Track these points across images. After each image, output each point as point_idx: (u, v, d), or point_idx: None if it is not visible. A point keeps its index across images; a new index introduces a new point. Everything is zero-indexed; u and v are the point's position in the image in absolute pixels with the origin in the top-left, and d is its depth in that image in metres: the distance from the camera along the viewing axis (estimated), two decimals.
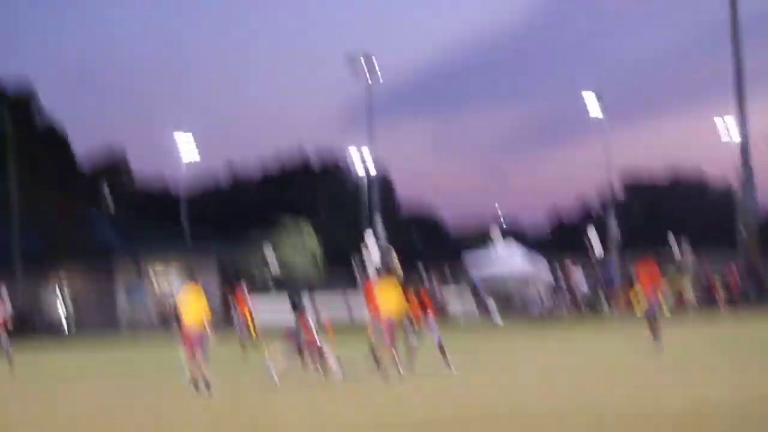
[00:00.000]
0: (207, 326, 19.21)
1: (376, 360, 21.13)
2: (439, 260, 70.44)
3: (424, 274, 45.16)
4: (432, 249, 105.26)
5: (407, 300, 21.31)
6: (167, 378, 21.51)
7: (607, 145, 59.47)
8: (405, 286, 21.67)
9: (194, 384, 18.76)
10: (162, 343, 37.10)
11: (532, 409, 13.87)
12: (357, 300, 57.04)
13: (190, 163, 74.17)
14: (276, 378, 19.41)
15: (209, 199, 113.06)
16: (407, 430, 12.49)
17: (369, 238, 63.32)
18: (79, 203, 56.10)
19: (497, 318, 43.74)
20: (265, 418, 14.25)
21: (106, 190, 79.50)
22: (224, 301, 44.85)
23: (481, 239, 74.71)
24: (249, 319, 30.63)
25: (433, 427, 12.63)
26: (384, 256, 58.15)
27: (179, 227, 74.37)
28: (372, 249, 61.93)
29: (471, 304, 48.86)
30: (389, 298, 20.56)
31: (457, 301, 50.62)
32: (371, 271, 24.08)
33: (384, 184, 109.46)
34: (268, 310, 59.24)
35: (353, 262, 73.13)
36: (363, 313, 23.02)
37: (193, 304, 19.39)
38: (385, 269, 23.29)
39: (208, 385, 18.57)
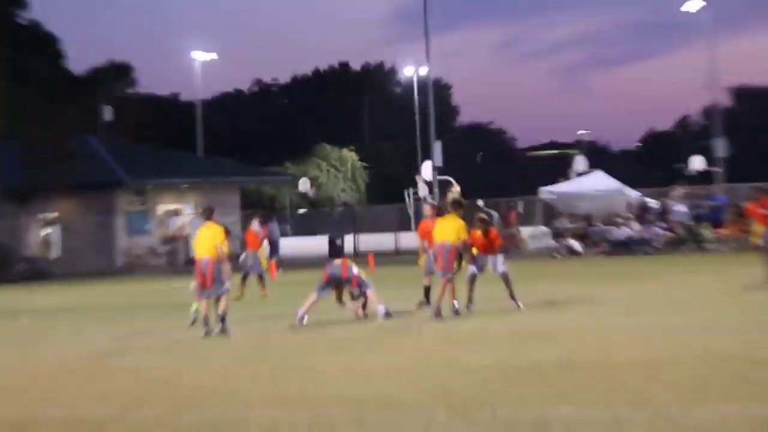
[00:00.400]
0: (225, 264, 20.21)
1: (427, 297, 22.91)
2: (510, 191, 70.16)
3: (491, 210, 45.00)
4: (501, 177, 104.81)
5: (472, 240, 22.31)
6: (172, 323, 21.82)
7: (713, 53, 59.55)
8: (469, 224, 22.54)
9: (205, 321, 19.78)
10: (169, 285, 37.61)
11: (604, 360, 13.62)
12: (408, 239, 57.61)
13: (208, 69, 73.81)
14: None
15: (231, 116, 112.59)
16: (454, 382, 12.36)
17: (425, 168, 62.74)
18: (72, 117, 55.93)
19: (577, 247, 44.44)
20: (298, 375, 14.17)
21: (105, 108, 79.34)
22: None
23: (561, 164, 73.84)
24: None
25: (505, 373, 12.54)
26: (444, 190, 57.94)
27: (193, 149, 74.70)
28: (428, 180, 61.55)
29: (547, 241, 49.01)
30: (449, 232, 21.58)
31: (531, 240, 51.16)
32: (427, 208, 24.19)
33: (443, 100, 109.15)
34: (299, 247, 59.88)
35: (405, 196, 72.70)
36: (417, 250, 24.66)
37: (208, 240, 20.24)
38: (446, 205, 23.76)
39: (223, 321, 19.77)
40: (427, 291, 23.23)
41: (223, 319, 19.82)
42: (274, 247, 55.27)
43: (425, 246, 23.32)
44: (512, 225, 51.54)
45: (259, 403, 11.80)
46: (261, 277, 29.55)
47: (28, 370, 15.94)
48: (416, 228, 26.25)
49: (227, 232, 20.69)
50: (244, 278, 29.39)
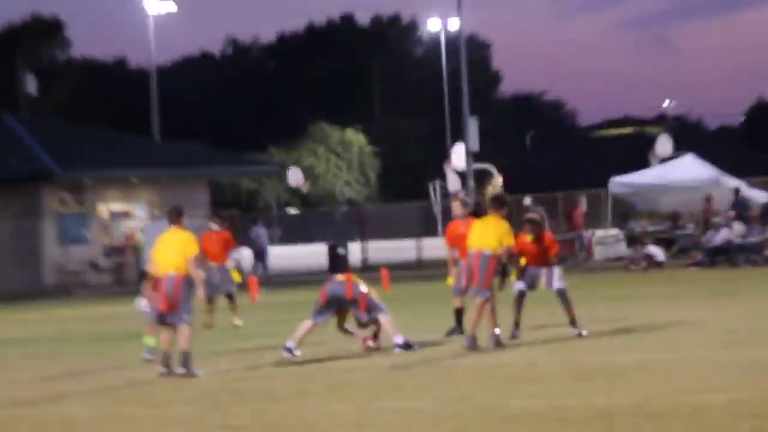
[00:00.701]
0: (196, 279, 20.25)
1: (459, 323, 22.95)
2: (570, 183, 70.11)
3: (541, 209, 45.02)
4: (558, 165, 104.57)
5: (520, 248, 22.40)
6: (119, 361, 21.75)
7: None
8: (516, 227, 22.66)
9: (165, 363, 19.63)
10: (115, 307, 37.56)
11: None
12: (434, 247, 57.55)
13: (166, 26, 73.90)
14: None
15: (198, 87, 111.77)
16: None
17: (456, 154, 62.73)
18: None
19: (660, 256, 44.35)
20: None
21: (28, 77, 79.55)
22: None
23: (638, 147, 73.77)
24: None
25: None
26: (481, 183, 58.02)
27: (147, 131, 74.76)
28: (460, 170, 61.55)
29: (619, 248, 49.08)
30: (488, 237, 21.54)
31: (599, 246, 51.27)
32: (459, 205, 23.99)
33: (479, 63, 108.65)
34: (290, 257, 59.86)
35: (430, 191, 72.97)
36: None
37: (176, 250, 20.22)
38: (485, 202, 23.86)
39: (186, 361, 19.51)
40: (459, 315, 23.21)
41: (186, 357, 19.80)
42: (260, 258, 55.37)
43: (456, 256, 23.33)
44: (578, 227, 51.67)
45: None
46: (231, 298, 29.61)
47: None
48: (444, 232, 26.22)
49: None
50: (210, 300, 29.45)
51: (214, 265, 29.94)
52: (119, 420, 15.57)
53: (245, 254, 30.66)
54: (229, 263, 30.50)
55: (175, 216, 20.98)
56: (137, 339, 22.12)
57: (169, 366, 19.70)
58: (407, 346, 20.96)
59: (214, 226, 31.01)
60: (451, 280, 23.58)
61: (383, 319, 21.13)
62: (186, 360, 19.67)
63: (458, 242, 22.97)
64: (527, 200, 49.32)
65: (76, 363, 22.64)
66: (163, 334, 20.12)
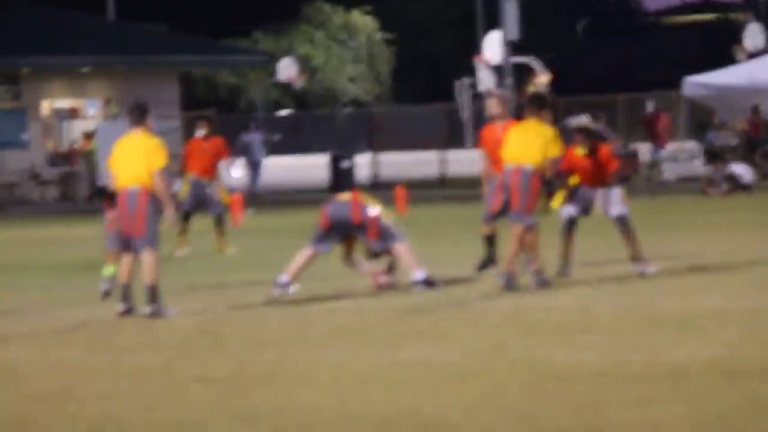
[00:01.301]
0: (163, 194, 20.25)
1: (491, 252, 23.01)
2: (634, 83, 70.04)
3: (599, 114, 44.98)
4: (619, 59, 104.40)
5: (570, 163, 22.49)
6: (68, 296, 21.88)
7: None
8: (565, 135, 22.76)
9: (124, 293, 19.84)
10: (62, 228, 37.73)
11: None
12: (462, 160, 57.44)
13: None
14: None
15: None
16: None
17: (490, 44, 62.75)
18: None
19: (744, 178, 44.17)
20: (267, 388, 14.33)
21: None
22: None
23: (720, 37, 73.62)
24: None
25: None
26: (523, 80, 58.08)
27: (101, 9, 74.76)
28: (494, 64, 61.55)
29: (695, 165, 49.05)
30: (530, 147, 21.54)
31: (669, 164, 51.18)
32: (495, 103, 23.57)
33: None
34: (282, 171, 59.87)
35: (457, 91, 73.01)
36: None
37: (138, 160, 20.21)
38: (525, 104, 23.60)
39: (153, 297, 19.61)
40: (490, 244, 23.33)
41: (153, 293, 19.90)
42: (254, 172, 55.15)
43: (489, 170, 23.41)
44: (662, 139, 51.62)
45: (210, 424, 12.03)
46: (220, 221, 29.80)
47: None
48: (478, 138, 25.92)
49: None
50: (186, 218, 29.63)
51: (200, 180, 30.13)
52: (70, 368, 15.69)
53: (231, 168, 30.53)
54: (234, 172, 30.64)
55: (137, 115, 20.77)
56: (93, 269, 22.14)
57: (130, 303, 19.85)
58: (429, 283, 21.06)
59: (201, 132, 31.07)
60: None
61: (399, 249, 21.24)
62: (153, 296, 19.73)
63: (494, 149, 22.90)
64: (576, 120, 49.36)
65: (15, 299, 22.78)
66: (123, 262, 20.21)
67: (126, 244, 20.01)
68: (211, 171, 30.36)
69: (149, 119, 20.76)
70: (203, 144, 30.69)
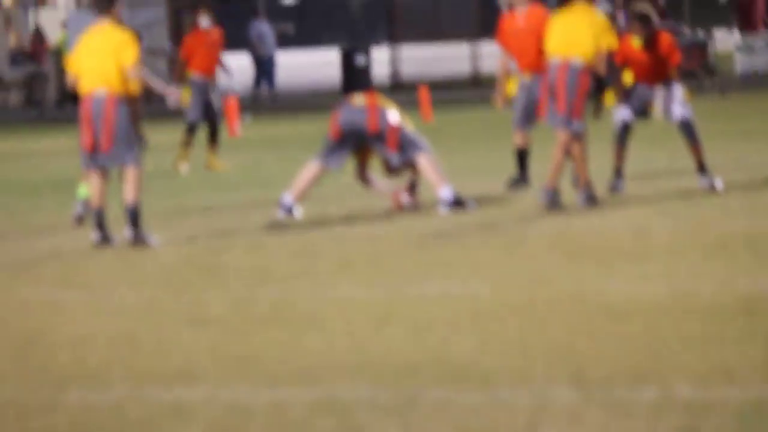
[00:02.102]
0: (137, 106, 20.39)
1: (523, 168, 23.33)
2: None
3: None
4: None
5: (624, 57, 22.52)
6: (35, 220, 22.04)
7: None
8: (617, 23, 22.40)
9: (98, 220, 19.72)
10: (28, 141, 37.89)
11: None
12: (498, 54, 57.18)
13: None
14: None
15: None
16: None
17: None
18: None
19: None
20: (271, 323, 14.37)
21: None
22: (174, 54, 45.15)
23: None
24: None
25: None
26: None
27: None
28: None
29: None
30: (578, 40, 21.61)
31: (741, 54, 51.28)
32: None
33: None
34: (286, 69, 59.75)
35: None
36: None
37: (105, 57, 20.04)
38: None
39: (135, 220, 19.59)
40: (522, 158, 23.52)
41: (134, 215, 19.77)
42: (263, 70, 54.79)
43: (507, 66, 23.60)
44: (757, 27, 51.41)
45: (203, 382, 11.93)
46: (214, 130, 29.77)
47: None
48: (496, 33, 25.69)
49: (139, 42, 20.63)
50: (191, 130, 29.65)
51: (201, 80, 30.04)
52: (42, 308, 15.70)
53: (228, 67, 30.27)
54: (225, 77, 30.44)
55: (103, 2, 20.48)
56: (64, 190, 22.11)
57: (105, 231, 19.75)
58: (458, 202, 21.08)
59: (204, 21, 30.90)
60: (503, 99, 23.89)
61: (423, 162, 21.20)
62: (134, 219, 19.69)
63: (517, 43, 23.21)
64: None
65: None
66: (93, 182, 20.05)
67: (94, 161, 19.81)
68: (211, 69, 30.27)
69: (118, 7, 20.41)
70: (206, 37, 30.49)
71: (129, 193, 19.60)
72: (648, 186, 22.01)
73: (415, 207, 21.20)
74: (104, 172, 19.84)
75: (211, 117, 29.80)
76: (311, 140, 21.55)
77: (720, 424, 9.42)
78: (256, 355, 12.67)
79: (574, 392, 10.66)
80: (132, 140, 19.88)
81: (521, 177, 23.03)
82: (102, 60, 19.90)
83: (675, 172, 22.06)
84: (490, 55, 57.07)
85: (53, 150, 28.16)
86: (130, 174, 19.64)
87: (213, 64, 30.15)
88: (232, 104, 37.75)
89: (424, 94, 38.86)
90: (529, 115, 22.58)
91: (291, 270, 17.38)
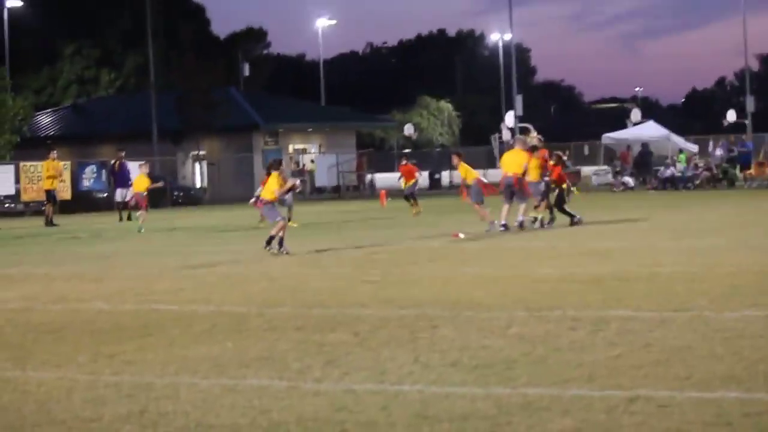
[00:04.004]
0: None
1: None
2: (576, 137, 69.67)
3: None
4: (569, 125, 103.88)
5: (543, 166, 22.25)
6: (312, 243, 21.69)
7: (746, 26, 62.69)
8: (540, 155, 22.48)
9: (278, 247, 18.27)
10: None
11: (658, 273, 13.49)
12: (495, 176, 57.21)
13: (329, 33, 74.17)
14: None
15: (348, 72, 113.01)
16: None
17: (508, 117, 62.70)
18: (216, 72, 56.44)
19: (630, 183, 44.79)
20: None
21: (244, 65, 79.66)
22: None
23: (619, 115, 73.03)
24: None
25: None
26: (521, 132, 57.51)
27: (316, 99, 75.01)
28: (510, 127, 61.46)
29: (606, 176, 49.30)
30: (512, 161, 21.85)
31: (595, 176, 51.01)
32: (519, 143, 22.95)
33: (523, 61, 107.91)
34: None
35: (491, 140, 72.44)
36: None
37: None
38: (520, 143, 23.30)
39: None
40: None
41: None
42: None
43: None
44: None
45: (371, 304, 11.75)
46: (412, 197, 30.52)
47: (182, 274, 15.83)
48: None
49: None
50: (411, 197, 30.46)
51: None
52: (296, 277, 15.24)
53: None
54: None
55: (275, 165, 18.99)
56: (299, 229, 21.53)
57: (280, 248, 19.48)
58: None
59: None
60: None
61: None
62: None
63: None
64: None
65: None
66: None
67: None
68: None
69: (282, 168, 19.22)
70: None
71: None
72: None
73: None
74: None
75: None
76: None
77: None
78: (408, 299, 12.28)
79: (526, 313, 10.47)
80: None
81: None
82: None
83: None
84: (491, 175, 56.59)
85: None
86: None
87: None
88: (382, 192, 37.07)
89: (463, 190, 38.21)
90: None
91: (432, 256, 16.79)
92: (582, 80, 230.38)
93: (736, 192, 39.81)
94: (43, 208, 34.93)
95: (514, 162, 21.80)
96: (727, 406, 6.53)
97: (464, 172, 22.26)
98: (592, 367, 7.84)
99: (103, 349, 9.32)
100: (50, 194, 34.48)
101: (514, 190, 21.64)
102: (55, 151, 36.23)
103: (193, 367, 8.39)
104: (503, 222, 21.34)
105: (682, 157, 46.61)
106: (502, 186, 21.96)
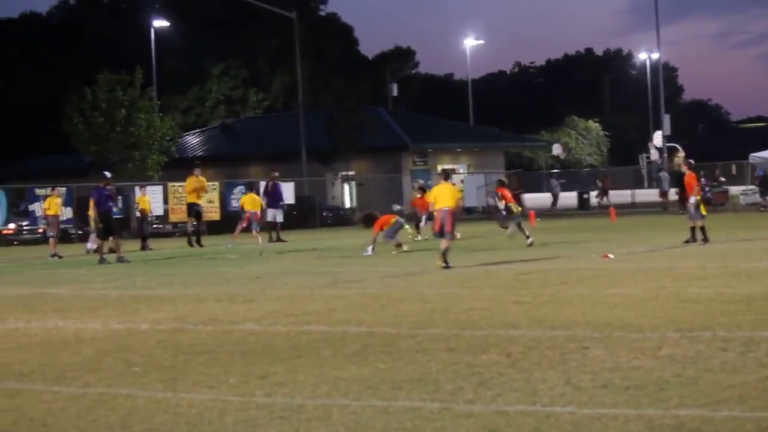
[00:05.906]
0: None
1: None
2: (724, 156, 68.03)
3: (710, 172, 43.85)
4: (716, 144, 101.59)
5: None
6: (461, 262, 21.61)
7: None
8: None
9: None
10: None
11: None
12: (642, 195, 56.21)
13: (477, 53, 74.30)
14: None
15: (496, 92, 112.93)
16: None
17: (656, 137, 61.56)
18: (364, 92, 56.91)
19: None
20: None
21: (392, 85, 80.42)
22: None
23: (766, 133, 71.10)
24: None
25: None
26: (670, 155, 56.43)
27: (464, 118, 75.06)
28: (658, 147, 60.31)
29: (754, 195, 48.04)
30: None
31: (743, 196, 49.71)
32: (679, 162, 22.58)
33: (670, 80, 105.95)
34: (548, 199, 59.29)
35: (639, 160, 71.31)
36: None
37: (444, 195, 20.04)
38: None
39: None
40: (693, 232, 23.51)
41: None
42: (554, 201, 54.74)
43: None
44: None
45: (523, 324, 11.66)
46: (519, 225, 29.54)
47: (333, 295, 15.77)
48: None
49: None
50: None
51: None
52: (446, 298, 15.28)
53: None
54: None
55: (445, 174, 21.05)
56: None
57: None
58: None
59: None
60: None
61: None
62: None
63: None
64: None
65: (423, 261, 22.55)
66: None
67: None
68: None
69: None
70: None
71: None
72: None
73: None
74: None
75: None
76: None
77: None
78: (548, 318, 12.25)
79: (677, 334, 10.27)
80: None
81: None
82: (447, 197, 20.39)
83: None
84: (639, 195, 55.14)
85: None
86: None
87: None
88: (612, 211, 36.89)
89: (612, 211, 37.73)
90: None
91: (562, 279, 16.57)
92: (729, 99, 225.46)
93: None
94: (191, 228, 33.02)
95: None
96: None
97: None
98: (743, 388, 7.70)
99: (255, 370, 9.29)
100: (192, 207, 32.96)
101: None
102: (199, 168, 34.97)
103: (344, 389, 8.32)
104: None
105: None
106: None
